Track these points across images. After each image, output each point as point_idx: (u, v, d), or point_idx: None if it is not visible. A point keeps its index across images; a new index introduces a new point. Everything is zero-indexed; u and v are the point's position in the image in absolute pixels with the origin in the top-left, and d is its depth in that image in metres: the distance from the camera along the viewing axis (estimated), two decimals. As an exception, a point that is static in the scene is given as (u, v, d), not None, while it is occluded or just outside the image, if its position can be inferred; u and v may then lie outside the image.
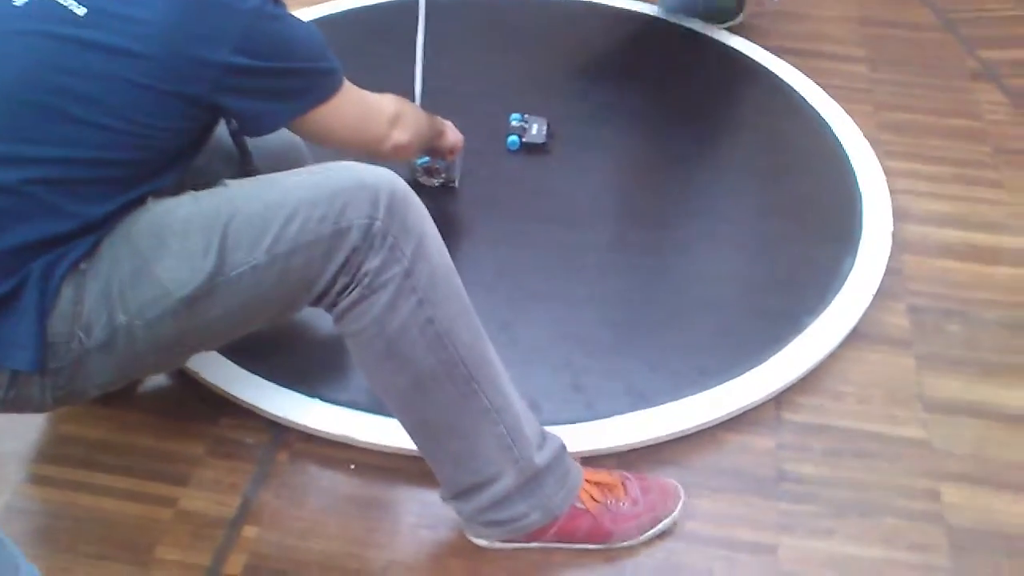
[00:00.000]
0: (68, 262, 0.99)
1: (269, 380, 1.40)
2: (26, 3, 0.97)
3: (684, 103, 1.99)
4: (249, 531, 1.26)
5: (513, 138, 1.84)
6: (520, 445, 1.16)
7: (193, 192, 1.07)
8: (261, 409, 1.37)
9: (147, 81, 0.98)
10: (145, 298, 1.01)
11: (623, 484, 1.26)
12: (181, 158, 1.08)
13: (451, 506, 1.22)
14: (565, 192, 1.76)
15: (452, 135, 1.52)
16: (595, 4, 2.27)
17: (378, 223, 1.03)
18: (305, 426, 1.35)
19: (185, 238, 1.01)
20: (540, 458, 1.17)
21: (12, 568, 0.87)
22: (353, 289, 1.04)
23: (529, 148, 1.84)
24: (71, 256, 0.99)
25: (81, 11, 0.96)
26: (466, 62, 2.05)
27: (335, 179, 1.05)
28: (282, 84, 1.09)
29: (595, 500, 1.22)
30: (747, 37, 2.18)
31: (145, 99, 0.98)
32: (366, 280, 1.03)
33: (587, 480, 1.23)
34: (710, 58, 2.14)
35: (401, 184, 1.08)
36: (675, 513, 1.26)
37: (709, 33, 2.19)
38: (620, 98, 2.00)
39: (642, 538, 1.25)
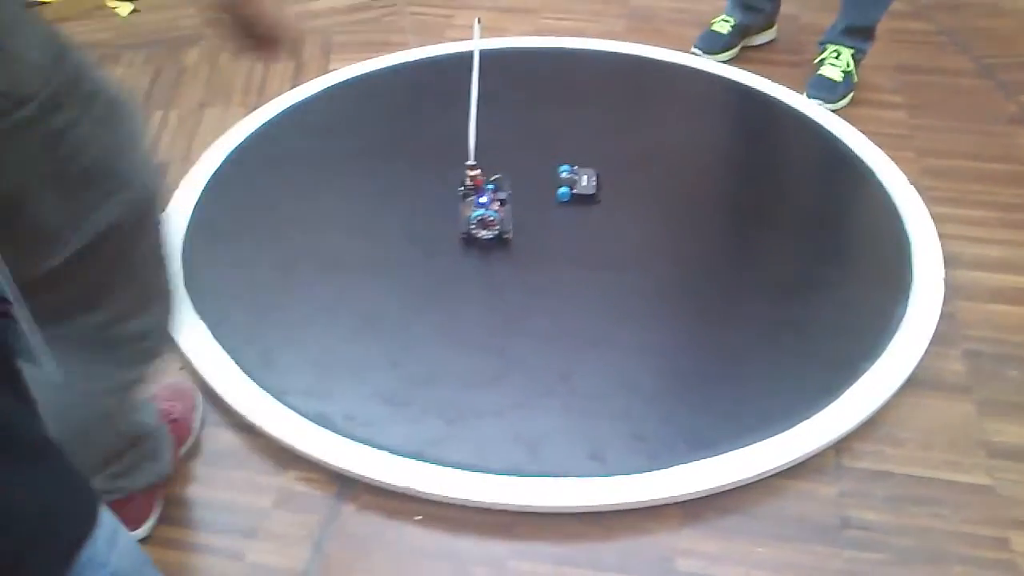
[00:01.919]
0: None
1: (334, 432, 1.42)
2: None
3: (729, 152, 2.02)
4: (318, 583, 1.27)
5: (563, 189, 1.86)
6: None
7: None
8: (327, 462, 1.39)
9: None
10: None
11: None
12: None
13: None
14: (616, 242, 1.78)
15: None
16: (641, 57, 2.31)
17: None
18: (371, 478, 1.37)
19: None
20: None
21: None
22: None
23: (579, 199, 1.87)
24: None
25: None
26: (516, 114, 2.09)
27: None
28: None
29: None
30: (787, 86, 2.21)
31: None
32: None
33: None
34: (754, 108, 2.16)
35: None
36: None
37: (752, 84, 2.22)
38: (667, 148, 2.03)
39: None
